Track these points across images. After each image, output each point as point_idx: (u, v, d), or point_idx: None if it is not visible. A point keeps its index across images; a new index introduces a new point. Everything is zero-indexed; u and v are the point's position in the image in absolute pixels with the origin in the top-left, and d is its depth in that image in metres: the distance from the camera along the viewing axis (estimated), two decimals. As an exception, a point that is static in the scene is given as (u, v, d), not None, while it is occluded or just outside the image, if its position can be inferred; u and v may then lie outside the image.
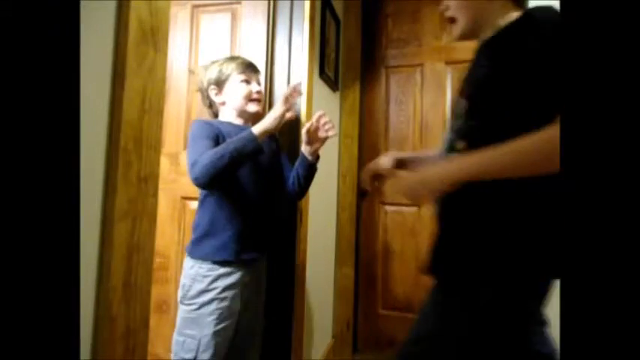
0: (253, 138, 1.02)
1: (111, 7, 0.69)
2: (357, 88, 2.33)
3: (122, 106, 0.69)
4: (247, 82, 1.18)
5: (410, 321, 2.34)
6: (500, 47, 0.76)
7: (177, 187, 1.67)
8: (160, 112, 0.79)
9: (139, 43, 0.72)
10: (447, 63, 2.26)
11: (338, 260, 2.21)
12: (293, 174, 1.24)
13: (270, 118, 1.07)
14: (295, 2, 1.61)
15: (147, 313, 0.77)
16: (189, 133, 1.12)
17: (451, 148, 0.82)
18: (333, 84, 2.06)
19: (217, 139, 1.10)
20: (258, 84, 1.20)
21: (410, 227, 2.26)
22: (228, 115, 1.21)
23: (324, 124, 1.16)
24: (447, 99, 2.24)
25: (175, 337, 1.11)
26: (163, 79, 0.80)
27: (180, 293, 1.15)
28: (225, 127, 1.15)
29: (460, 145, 0.79)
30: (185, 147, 1.68)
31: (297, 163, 1.22)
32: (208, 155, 1.00)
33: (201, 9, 1.72)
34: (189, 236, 1.67)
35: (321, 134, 1.17)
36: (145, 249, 0.75)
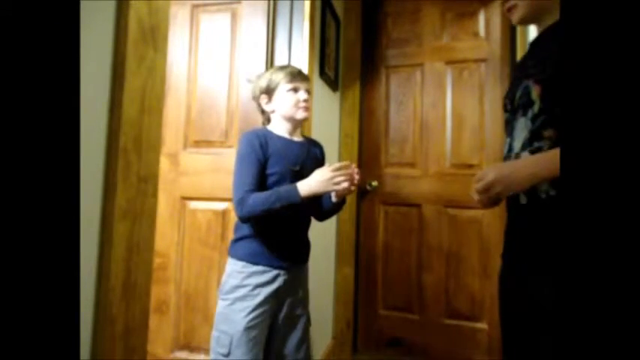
0: (299, 199, 1.09)
1: (110, 7, 0.69)
2: (357, 88, 2.33)
3: (122, 105, 0.69)
4: (295, 90, 1.21)
5: (410, 321, 2.33)
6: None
7: (177, 187, 1.67)
8: (159, 112, 0.79)
9: (139, 42, 0.72)
10: (447, 63, 2.26)
11: (338, 260, 2.21)
12: (320, 202, 1.26)
13: (319, 182, 1.10)
14: (295, 2, 1.61)
15: (146, 313, 0.77)
16: (238, 149, 1.17)
17: (536, 136, 0.83)
18: (333, 84, 2.06)
19: (265, 155, 1.16)
20: (307, 91, 1.24)
21: (410, 227, 2.26)
22: (278, 121, 1.25)
23: (354, 174, 1.14)
24: (447, 99, 2.24)
25: (212, 332, 1.15)
26: (163, 79, 0.80)
27: (220, 288, 1.19)
28: (274, 142, 1.19)
29: (549, 132, 0.81)
30: (185, 146, 1.69)
31: (324, 196, 1.23)
32: (256, 202, 1.09)
33: (201, 8, 1.72)
34: (189, 236, 1.68)
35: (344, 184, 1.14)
36: (144, 249, 0.75)
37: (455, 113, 2.22)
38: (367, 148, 2.37)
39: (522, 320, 0.87)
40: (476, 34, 2.22)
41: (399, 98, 2.35)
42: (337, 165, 1.11)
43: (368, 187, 2.33)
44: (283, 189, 1.11)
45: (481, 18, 2.21)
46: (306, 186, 1.10)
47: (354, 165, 1.13)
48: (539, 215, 0.83)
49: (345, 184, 1.10)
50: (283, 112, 1.22)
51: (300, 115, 1.22)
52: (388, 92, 2.37)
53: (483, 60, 2.19)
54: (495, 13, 2.18)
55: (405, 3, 2.36)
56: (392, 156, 2.33)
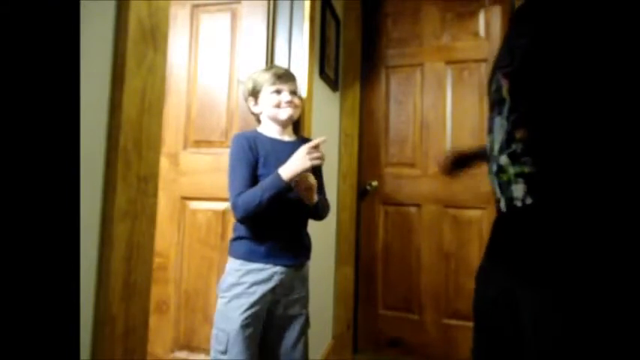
0: (283, 183, 1.10)
1: (110, 7, 0.69)
2: (357, 88, 2.33)
3: (122, 106, 0.69)
4: (278, 92, 1.24)
5: (410, 321, 2.32)
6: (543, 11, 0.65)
7: (177, 187, 1.68)
8: (159, 112, 0.79)
9: (139, 43, 0.72)
10: (447, 63, 2.25)
11: (338, 260, 2.21)
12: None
13: (297, 160, 1.11)
14: (295, 2, 1.61)
15: (146, 313, 0.77)
16: (230, 151, 1.20)
17: (511, 138, 0.77)
18: (333, 84, 2.06)
19: (255, 157, 1.18)
20: (292, 92, 1.25)
21: (410, 227, 2.26)
22: (267, 122, 1.27)
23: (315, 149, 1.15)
24: (447, 99, 2.24)
25: (212, 330, 1.16)
26: (163, 79, 0.80)
27: (218, 286, 1.21)
28: (263, 144, 1.21)
29: (520, 133, 0.75)
30: (185, 146, 1.69)
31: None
32: (245, 201, 1.12)
33: (201, 9, 1.72)
34: (188, 236, 1.68)
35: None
36: (144, 249, 0.75)
37: (455, 113, 2.22)
38: (367, 148, 2.37)
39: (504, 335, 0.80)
40: (476, 34, 2.22)
41: (399, 98, 2.35)
42: (313, 143, 1.12)
43: (368, 187, 2.33)
44: (266, 179, 1.12)
45: (481, 18, 2.21)
46: (287, 168, 1.11)
47: (324, 140, 1.15)
48: (515, 225, 0.76)
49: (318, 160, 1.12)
50: (268, 114, 1.25)
51: (283, 115, 1.23)
52: (388, 92, 2.37)
53: (483, 60, 2.18)
54: (495, 13, 2.18)
55: (405, 3, 2.36)
56: (392, 156, 2.33)
